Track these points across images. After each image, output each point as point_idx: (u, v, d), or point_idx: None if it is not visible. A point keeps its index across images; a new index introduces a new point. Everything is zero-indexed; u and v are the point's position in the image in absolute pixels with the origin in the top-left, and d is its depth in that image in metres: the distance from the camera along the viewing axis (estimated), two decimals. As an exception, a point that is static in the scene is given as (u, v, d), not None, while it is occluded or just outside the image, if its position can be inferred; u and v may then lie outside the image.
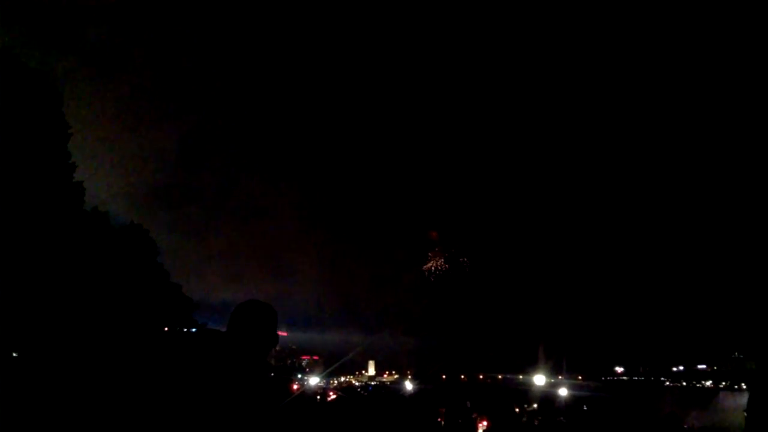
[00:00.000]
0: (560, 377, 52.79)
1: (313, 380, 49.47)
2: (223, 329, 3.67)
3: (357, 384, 62.99)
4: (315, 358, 68.94)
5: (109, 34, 48.28)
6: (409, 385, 50.54)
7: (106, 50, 49.12)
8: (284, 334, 68.40)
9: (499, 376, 64.78)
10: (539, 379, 42.77)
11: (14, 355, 20.12)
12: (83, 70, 43.39)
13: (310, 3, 62.01)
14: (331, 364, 62.54)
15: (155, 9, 52.81)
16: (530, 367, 48.42)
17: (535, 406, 39.90)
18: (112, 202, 33.50)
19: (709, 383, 64.77)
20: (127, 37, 50.75)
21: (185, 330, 32.21)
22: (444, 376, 61.61)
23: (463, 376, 65.46)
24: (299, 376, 56.26)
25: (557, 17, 60.17)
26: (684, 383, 66.61)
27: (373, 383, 65.34)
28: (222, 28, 60.91)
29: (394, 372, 70.13)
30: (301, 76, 75.09)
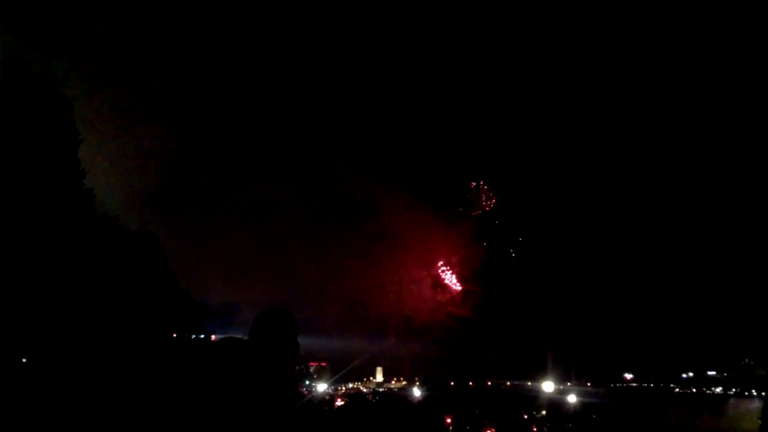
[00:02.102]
0: (569, 384, 52.56)
1: (321, 387, 49.42)
2: (227, 335, 3.66)
3: (365, 391, 62.86)
4: (323, 364, 68.78)
5: (105, 35, 48.40)
6: (417, 392, 50.40)
7: (101, 52, 49.25)
8: (292, 340, 68.17)
9: (508, 383, 64.53)
10: (548, 386, 42.59)
11: (24, 360, 20.20)
12: (78, 71, 43.44)
13: (308, 3, 62.13)
14: (338, 371, 62.41)
15: (149, 10, 53.04)
16: (539, 373, 48.22)
17: (544, 413, 39.79)
18: (111, 205, 33.50)
19: (719, 390, 64.37)
20: (124, 37, 50.86)
21: (194, 337, 32.26)
22: (452, 383, 61.45)
23: (471, 383, 65.25)
24: (307, 382, 56.23)
25: (557, 17, 60.15)
26: (694, 390, 66.21)
27: (381, 390, 65.20)
28: (219, 27, 61.12)
29: (402, 378, 69.93)
30: (303, 74, 74.97)
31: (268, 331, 3.48)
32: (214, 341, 31.85)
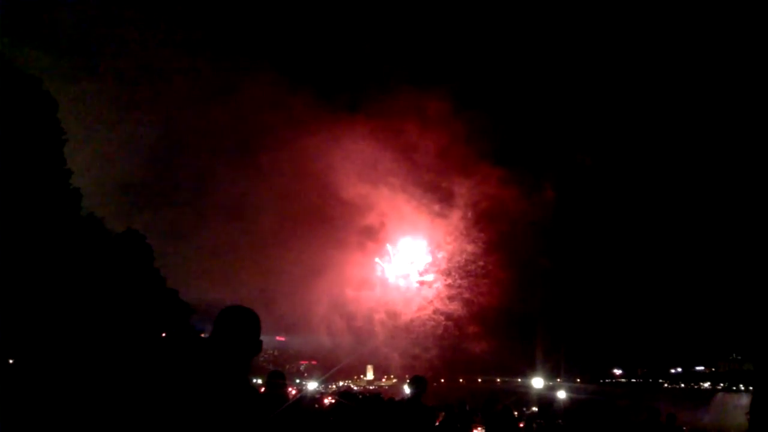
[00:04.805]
0: (558, 380, 52.73)
1: (312, 385, 49.27)
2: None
3: (356, 388, 62.81)
4: (313, 362, 68.69)
5: (81, 29, 48.13)
6: (407, 389, 50.39)
7: (85, 50, 48.97)
8: (282, 339, 68.18)
9: (498, 380, 64.70)
10: (537, 382, 42.67)
11: (11, 361, 20.02)
12: (63, 69, 43.12)
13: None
14: (329, 369, 62.31)
15: (137, 8, 52.84)
16: (528, 370, 48.35)
17: (534, 409, 39.80)
18: (99, 205, 33.37)
19: (707, 385, 64.89)
20: (99, 31, 50.53)
21: (183, 335, 32.12)
22: (443, 380, 61.54)
23: (461, 380, 65.42)
24: (297, 381, 56.15)
25: (556, 17, 60.24)
26: (682, 385, 66.73)
27: (371, 387, 65.16)
28: (198, 22, 60.96)
29: (392, 376, 69.97)
30: (283, 68, 74.53)
31: (228, 330, 3.34)
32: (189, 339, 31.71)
